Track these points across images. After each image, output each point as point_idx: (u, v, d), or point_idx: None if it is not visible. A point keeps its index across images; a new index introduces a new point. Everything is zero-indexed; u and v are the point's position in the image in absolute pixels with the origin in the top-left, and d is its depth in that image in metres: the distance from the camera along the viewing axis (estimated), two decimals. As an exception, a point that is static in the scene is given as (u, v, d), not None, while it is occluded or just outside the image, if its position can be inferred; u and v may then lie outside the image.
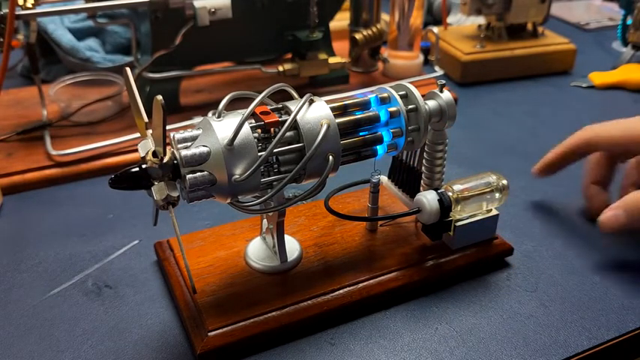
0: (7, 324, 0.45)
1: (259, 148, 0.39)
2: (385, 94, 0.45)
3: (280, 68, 0.75)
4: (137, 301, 0.47)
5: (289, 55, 0.78)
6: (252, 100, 0.40)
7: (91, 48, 0.83)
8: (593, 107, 0.82)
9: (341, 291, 0.46)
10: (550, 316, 0.47)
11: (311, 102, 0.42)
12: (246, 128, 0.39)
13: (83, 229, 0.56)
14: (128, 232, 0.55)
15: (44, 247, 0.53)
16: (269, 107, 0.41)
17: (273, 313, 0.43)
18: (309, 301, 0.45)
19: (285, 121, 0.40)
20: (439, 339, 0.44)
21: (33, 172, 0.62)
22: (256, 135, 0.40)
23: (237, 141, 0.38)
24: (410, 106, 0.45)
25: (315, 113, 0.41)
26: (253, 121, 0.41)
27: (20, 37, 0.67)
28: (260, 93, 0.41)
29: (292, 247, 0.48)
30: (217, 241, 0.50)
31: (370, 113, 0.44)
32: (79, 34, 0.84)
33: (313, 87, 0.79)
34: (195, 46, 0.69)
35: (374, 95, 0.45)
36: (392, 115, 0.44)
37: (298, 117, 0.40)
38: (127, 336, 0.44)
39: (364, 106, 0.44)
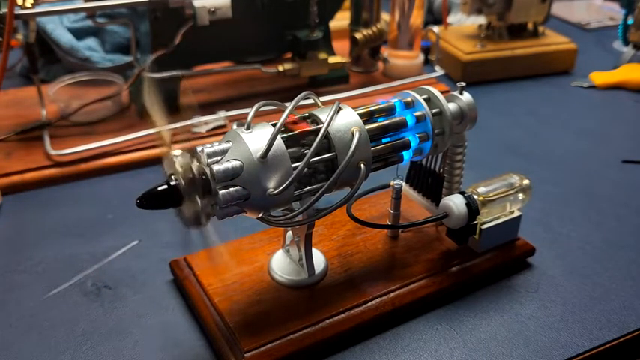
0: (7, 324, 0.45)
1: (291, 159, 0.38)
2: (409, 99, 0.44)
3: (280, 68, 0.75)
4: (136, 301, 0.47)
5: (289, 55, 0.78)
6: (277, 108, 0.39)
7: (90, 48, 0.83)
8: (593, 107, 0.82)
9: (373, 302, 0.45)
10: (551, 317, 0.46)
11: (339, 109, 0.40)
12: (279, 140, 0.37)
13: (82, 229, 0.56)
14: (127, 232, 0.55)
15: (43, 248, 0.53)
16: (297, 116, 0.40)
17: (308, 329, 0.42)
18: (342, 314, 0.44)
19: (317, 130, 0.39)
20: (439, 339, 0.44)
21: (32, 172, 0.62)
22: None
23: (270, 153, 0.37)
24: (434, 110, 0.44)
25: (345, 121, 0.40)
26: None
27: (19, 36, 0.67)
28: (275, 99, 0.39)
29: (318, 258, 0.47)
30: (238, 256, 0.49)
31: (397, 119, 0.43)
32: (79, 33, 0.84)
33: (313, 87, 0.79)
34: (194, 45, 0.69)
35: (397, 100, 0.44)
36: (418, 119, 0.44)
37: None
38: (126, 336, 0.44)
39: (390, 111, 0.44)
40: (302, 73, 0.76)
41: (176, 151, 0.36)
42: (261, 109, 0.40)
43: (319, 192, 0.39)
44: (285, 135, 0.39)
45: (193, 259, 0.48)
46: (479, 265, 0.49)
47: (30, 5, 0.61)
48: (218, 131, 0.69)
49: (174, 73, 0.69)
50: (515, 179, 0.50)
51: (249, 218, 0.40)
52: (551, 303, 0.48)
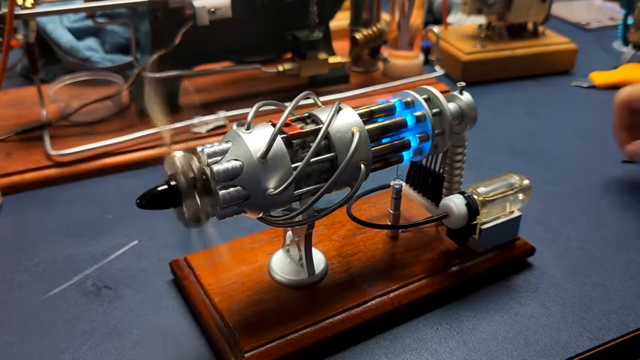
0: (7, 325, 0.45)
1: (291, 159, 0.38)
2: (409, 99, 0.44)
3: (280, 68, 0.75)
4: (136, 301, 0.47)
5: (289, 55, 0.78)
6: (277, 108, 0.39)
7: (90, 48, 0.83)
8: (593, 107, 0.82)
9: (373, 302, 0.45)
10: (551, 317, 0.46)
11: (339, 109, 0.40)
12: (279, 140, 0.37)
13: (82, 229, 0.56)
14: (127, 232, 0.55)
15: (43, 248, 0.53)
16: (296, 116, 0.41)
17: (308, 329, 0.42)
18: (342, 315, 0.44)
19: (317, 130, 0.39)
20: (439, 339, 0.44)
21: (32, 172, 0.62)
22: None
23: (270, 153, 0.37)
24: (434, 110, 0.44)
25: (345, 121, 0.40)
26: None
27: (19, 36, 0.67)
28: (275, 99, 0.39)
29: (318, 258, 0.47)
30: (238, 256, 0.49)
31: (397, 119, 0.43)
32: (79, 33, 0.84)
33: (313, 87, 0.79)
34: (194, 45, 0.69)
35: (397, 100, 0.44)
36: (418, 119, 0.44)
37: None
38: (126, 336, 0.44)
39: (390, 111, 0.44)
40: (302, 73, 0.76)
41: (176, 151, 0.36)
42: (261, 109, 0.40)
43: (319, 192, 0.39)
44: (285, 135, 0.39)
45: (193, 259, 0.48)
46: (479, 265, 0.49)
47: (30, 5, 0.61)
48: (218, 131, 0.69)
49: (174, 73, 0.69)
50: (515, 179, 0.50)
51: (249, 218, 0.40)
52: (551, 303, 0.48)
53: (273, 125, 0.39)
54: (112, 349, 0.43)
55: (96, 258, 0.52)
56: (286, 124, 0.39)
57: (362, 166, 0.40)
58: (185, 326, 0.45)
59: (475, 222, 0.48)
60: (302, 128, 0.39)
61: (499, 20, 0.90)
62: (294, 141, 0.39)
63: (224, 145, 0.38)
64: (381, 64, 0.86)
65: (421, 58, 0.86)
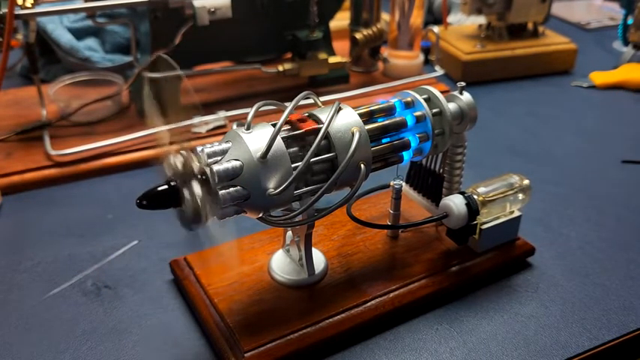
0: (7, 325, 0.45)
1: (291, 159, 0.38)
2: (409, 99, 0.44)
3: (280, 68, 0.75)
4: (136, 301, 0.47)
5: (289, 55, 0.78)
6: (277, 108, 0.39)
7: (90, 48, 0.83)
8: (593, 107, 0.82)
9: (373, 302, 0.45)
10: (551, 317, 0.46)
11: (339, 109, 0.41)
12: (279, 140, 0.37)
13: (82, 229, 0.56)
14: (127, 232, 0.55)
15: (43, 248, 0.53)
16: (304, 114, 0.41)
17: (308, 329, 0.42)
18: (342, 315, 0.44)
19: (317, 130, 0.39)
20: (439, 339, 0.44)
21: (32, 172, 0.62)
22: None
23: (270, 153, 0.37)
24: (434, 110, 0.44)
25: (345, 121, 0.40)
26: None
27: (19, 36, 0.67)
28: (275, 99, 0.39)
29: (317, 258, 0.47)
30: (238, 256, 0.49)
31: (397, 119, 0.43)
32: (79, 33, 0.84)
33: (313, 87, 0.79)
34: (194, 45, 0.69)
35: (397, 100, 0.44)
36: (418, 119, 0.44)
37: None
38: (126, 336, 0.44)
39: (389, 111, 0.44)
40: (302, 73, 0.76)
41: (176, 151, 0.36)
42: (261, 109, 0.40)
43: (319, 192, 0.39)
44: (285, 135, 0.39)
45: (193, 259, 0.48)
46: (479, 265, 0.49)
47: (30, 5, 0.61)
48: (218, 131, 0.69)
49: (174, 73, 0.69)
50: (515, 179, 0.50)
51: (249, 218, 0.40)
52: (551, 303, 0.48)
53: (274, 125, 0.39)
54: (112, 349, 0.43)
55: (96, 258, 0.52)
56: (300, 120, 0.39)
57: (362, 166, 0.40)
58: (185, 326, 0.45)
59: (475, 222, 0.48)
60: (316, 122, 0.39)
61: (499, 20, 0.90)
62: (295, 140, 0.39)
63: (224, 145, 0.38)
64: (381, 64, 0.86)
65: (421, 58, 0.86)
